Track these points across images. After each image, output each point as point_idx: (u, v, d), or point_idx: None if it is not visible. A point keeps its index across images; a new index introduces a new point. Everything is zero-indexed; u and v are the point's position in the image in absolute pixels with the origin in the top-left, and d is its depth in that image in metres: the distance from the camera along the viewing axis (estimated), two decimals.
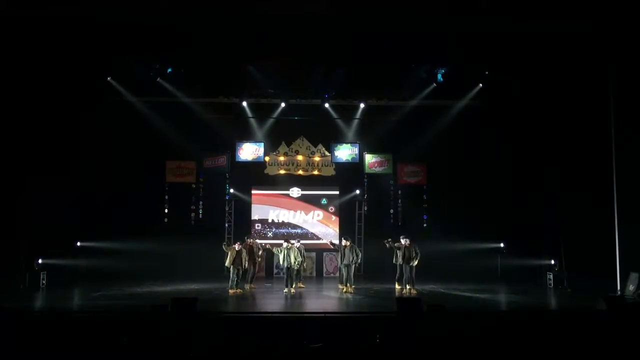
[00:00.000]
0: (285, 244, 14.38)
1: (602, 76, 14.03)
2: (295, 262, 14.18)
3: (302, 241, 15.32)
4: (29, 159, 14.50)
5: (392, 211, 18.87)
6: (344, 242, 14.42)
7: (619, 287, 13.53)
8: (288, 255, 14.13)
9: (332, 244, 15.07)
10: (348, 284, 14.05)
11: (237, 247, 14.08)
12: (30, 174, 14.53)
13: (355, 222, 18.60)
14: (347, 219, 18.71)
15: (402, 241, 14.00)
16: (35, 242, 14.71)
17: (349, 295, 13.57)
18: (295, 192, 18.73)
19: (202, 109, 17.45)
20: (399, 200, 18.88)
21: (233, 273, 13.91)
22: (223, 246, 14.15)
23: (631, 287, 12.99)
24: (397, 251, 13.97)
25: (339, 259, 14.56)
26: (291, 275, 14.25)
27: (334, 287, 14.81)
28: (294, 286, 14.32)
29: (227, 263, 13.94)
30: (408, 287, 13.89)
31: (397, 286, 14.15)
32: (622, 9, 12.23)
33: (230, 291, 13.74)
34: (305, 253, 15.25)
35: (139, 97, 16.78)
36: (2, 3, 12.01)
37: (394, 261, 14.13)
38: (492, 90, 16.52)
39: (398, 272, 14.11)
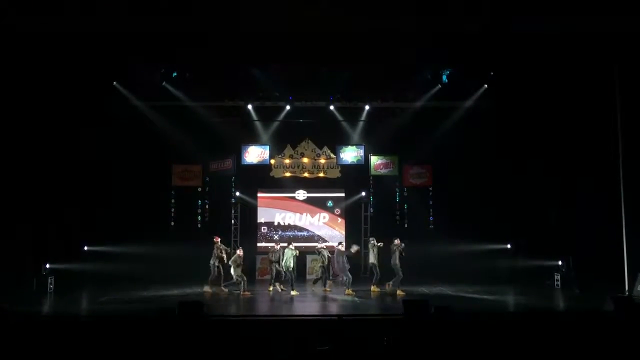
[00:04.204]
0: (292, 247, 14.77)
1: (608, 76, 13.99)
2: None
3: (309, 244, 15.64)
4: (35, 164, 14.57)
5: (397, 213, 18.85)
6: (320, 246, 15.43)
7: (627, 288, 13.47)
8: (292, 257, 14.50)
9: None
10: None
11: (240, 252, 14.48)
12: (37, 179, 14.60)
13: (361, 224, 18.60)
14: (353, 221, 18.73)
15: (397, 241, 14.32)
16: (42, 247, 14.75)
17: (356, 298, 13.61)
18: (301, 194, 18.75)
19: (207, 113, 17.48)
20: (405, 202, 18.86)
21: (242, 276, 14.19)
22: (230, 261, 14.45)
23: (639, 288, 12.92)
24: (397, 252, 14.22)
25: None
26: (292, 277, 14.53)
27: (341, 290, 14.79)
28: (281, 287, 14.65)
29: (238, 271, 14.16)
30: (391, 286, 14.25)
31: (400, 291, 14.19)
32: (627, 10, 12.16)
33: (246, 293, 13.98)
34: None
35: (144, 101, 16.80)
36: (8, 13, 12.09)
37: (398, 262, 14.20)
38: (497, 91, 16.46)
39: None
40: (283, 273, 14.64)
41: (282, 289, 14.60)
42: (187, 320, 8.94)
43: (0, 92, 13.68)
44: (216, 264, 14.70)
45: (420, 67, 15.88)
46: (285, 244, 15.08)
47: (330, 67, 15.42)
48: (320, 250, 15.15)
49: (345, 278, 14.45)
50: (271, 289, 14.58)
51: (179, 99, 16.61)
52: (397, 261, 14.14)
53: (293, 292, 14.17)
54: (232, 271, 14.22)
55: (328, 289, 14.74)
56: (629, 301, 10.66)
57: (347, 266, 14.56)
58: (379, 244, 14.61)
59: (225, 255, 14.71)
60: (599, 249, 13.96)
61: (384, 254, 14.63)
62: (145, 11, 12.22)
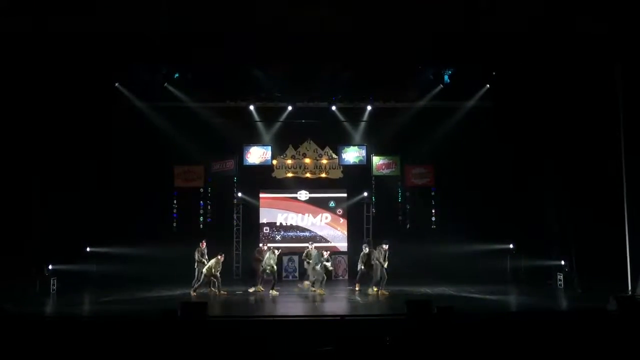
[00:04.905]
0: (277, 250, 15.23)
1: (610, 76, 13.98)
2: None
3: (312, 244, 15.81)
4: (38, 165, 14.61)
5: (400, 213, 18.82)
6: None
7: (629, 287, 13.44)
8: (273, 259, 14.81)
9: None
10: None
11: (220, 258, 14.57)
12: (39, 180, 14.63)
13: (364, 225, 18.54)
14: (355, 222, 18.69)
15: (385, 246, 14.42)
16: (45, 248, 14.78)
17: (358, 298, 13.69)
18: (303, 195, 18.73)
19: (209, 113, 17.48)
20: (407, 202, 18.83)
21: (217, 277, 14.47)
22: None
23: None
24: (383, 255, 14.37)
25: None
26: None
27: (343, 290, 14.80)
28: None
29: (216, 273, 14.39)
30: (376, 289, 14.29)
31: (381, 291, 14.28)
32: (628, 9, 12.15)
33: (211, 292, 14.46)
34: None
35: (146, 103, 16.80)
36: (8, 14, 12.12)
37: (385, 266, 14.31)
38: (499, 91, 16.44)
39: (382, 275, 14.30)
40: (272, 274, 14.74)
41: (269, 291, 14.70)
42: (188, 321, 8.95)
43: (1, 93, 13.71)
44: (196, 266, 14.79)
45: (421, 67, 15.88)
46: (272, 245, 15.29)
47: (330, 67, 15.43)
48: (308, 254, 15.20)
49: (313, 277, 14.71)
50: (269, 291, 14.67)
51: (181, 100, 16.61)
52: (379, 262, 14.26)
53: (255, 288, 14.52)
54: (204, 270, 14.31)
55: (322, 290, 14.59)
56: (631, 300, 10.66)
57: (318, 265, 14.65)
58: (362, 269, 14.71)
59: (205, 260, 14.76)
60: (601, 249, 13.91)
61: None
62: (147, 12, 12.25)
